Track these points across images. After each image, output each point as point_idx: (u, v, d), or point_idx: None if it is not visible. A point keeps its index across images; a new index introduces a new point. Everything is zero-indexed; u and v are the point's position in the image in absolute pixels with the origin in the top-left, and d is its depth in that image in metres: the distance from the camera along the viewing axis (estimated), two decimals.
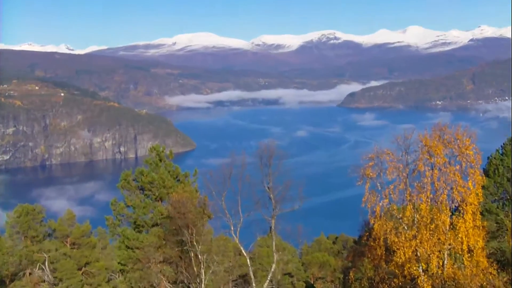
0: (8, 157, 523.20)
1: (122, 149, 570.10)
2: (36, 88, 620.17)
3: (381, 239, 39.52)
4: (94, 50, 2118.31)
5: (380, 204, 39.88)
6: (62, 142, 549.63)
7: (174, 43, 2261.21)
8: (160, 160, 57.04)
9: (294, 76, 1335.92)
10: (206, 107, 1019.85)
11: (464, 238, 37.26)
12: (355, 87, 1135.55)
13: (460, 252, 37.75)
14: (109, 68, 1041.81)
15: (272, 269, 51.29)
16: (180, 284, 52.28)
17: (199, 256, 49.73)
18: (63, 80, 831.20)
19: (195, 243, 49.29)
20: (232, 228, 50.18)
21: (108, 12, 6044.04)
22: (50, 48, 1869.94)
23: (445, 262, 38.44)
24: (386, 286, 41.53)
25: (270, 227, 51.57)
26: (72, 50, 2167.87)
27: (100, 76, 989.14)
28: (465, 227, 37.40)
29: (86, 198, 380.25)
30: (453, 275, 37.58)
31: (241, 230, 50.32)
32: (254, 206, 50.56)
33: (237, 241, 50.86)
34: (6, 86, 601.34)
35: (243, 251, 51.30)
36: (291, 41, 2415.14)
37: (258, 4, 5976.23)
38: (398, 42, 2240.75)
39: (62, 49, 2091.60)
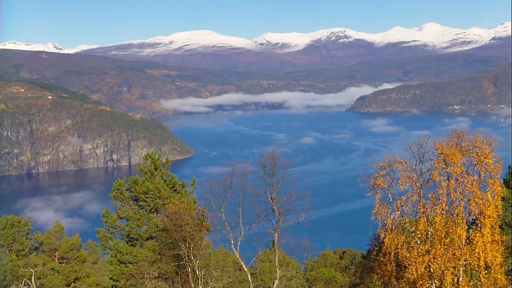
0: None
1: (114, 156, 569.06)
2: (22, 90, 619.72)
3: (392, 254, 39.60)
4: (84, 50, 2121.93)
5: (392, 216, 39.99)
6: (50, 149, 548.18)
7: (171, 42, 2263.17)
8: (156, 169, 57.13)
9: (301, 78, 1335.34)
10: (205, 112, 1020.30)
11: (481, 254, 37.28)
12: (366, 90, 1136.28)
13: (477, 269, 37.74)
14: (101, 69, 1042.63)
15: (275, 286, 51.40)
16: None
17: (197, 272, 49.80)
18: (51, 81, 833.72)
19: (192, 258, 49.37)
20: (232, 242, 50.28)
21: (99, 9, 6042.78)
22: (37, 47, 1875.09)
23: (461, 279, 38.45)
24: None
25: (273, 241, 51.67)
26: (61, 49, 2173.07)
27: (90, 78, 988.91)
28: (483, 242, 37.42)
29: (75, 209, 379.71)
30: None
31: (242, 244, 50.43)
32: (256, 218, 50.72)
33: (237, 256, 50.97)
34: None
35: (244, 267, 51.43)
36: (298, 39, 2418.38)
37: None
38: (414, 41, 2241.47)
39: (50, 48, 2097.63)
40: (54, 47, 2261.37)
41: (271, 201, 50.53)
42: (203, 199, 52.78)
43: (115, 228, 55.91)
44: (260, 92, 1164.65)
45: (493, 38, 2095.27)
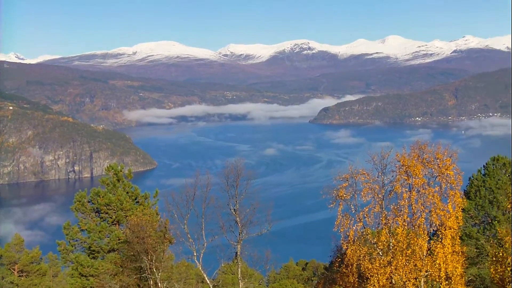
0: None
1: (76, 168, 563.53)
2: None
3: (354, 265, 39.75)
4: (47, 60, 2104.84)
5: (354, 228, 40.20)
6: (10, 160, 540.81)
7: (135, 53, 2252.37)
8: (118, 180, 56.78)
9: (264, 89, 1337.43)
10: (168, 123, 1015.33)
11: (442, 265, 37.59)
12: (330, 101, 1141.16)
13: (438, 280, 38.02)
14: (63, 79, 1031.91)
15: None
16: None
17: (159, 284, 49.57)
18: (12, 92, 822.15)
19: (154, 270, 49.13)
20: (195, 254, 50.16)
21: (62, 19, 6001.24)
22: None
23: None
24: None
25: (236, 253, 51.67)
26: (22, 59, 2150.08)
27: (53, 88, 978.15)
28: (444, 253, 37.76)
29: (36, 221, 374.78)
30: None
31: (204, 255, 50.31)
32: (219, 230, 50.64)
33: (200, 268, 50.83)
34: None
35: (206, 279, 51.30)
36: (262, 51, 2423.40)
37: (225, 11, 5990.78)
38: (377, 53, 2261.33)
39: (12, 58, 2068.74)
40: (15, 57, 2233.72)
41: (234, 212, 50.53)
42: (165, 211, 52.64)
43: (77, 240, 55.38)
44: (223, 103, 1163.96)
45: (454, 51, 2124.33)
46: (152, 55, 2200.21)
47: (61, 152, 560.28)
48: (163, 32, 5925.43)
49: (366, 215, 39.98)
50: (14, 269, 62.82)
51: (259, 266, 56.91)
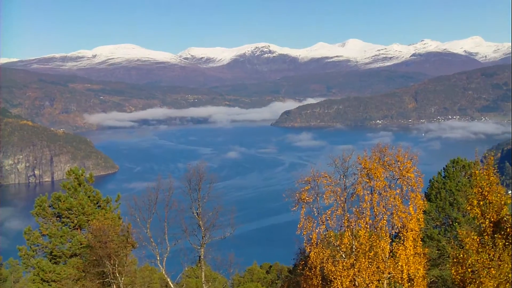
0: None
1: (36, 172, 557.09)
2: None
3: (318, 268, 39.77)
4: (4, 63, 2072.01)
5: (317, 230, 40.19)
6: None
7: (94, 56, 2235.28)
8: (79, 184, 56.25)
9: (226, 92, 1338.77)
10: (129, 126, 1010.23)
11: (404, 266, 37.82)
12: (291, 104, 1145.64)
13: (400, 281, 38.17)
14: (21, 83, 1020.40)
15: None
16: None
17: None
18: None
19: (118, 275, 48.83)
20: (158, 258, 50.00)
21: (18, 21, 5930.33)
22: None
23: None
24: None
25: (199, 256, 51.59)
26: None
27: (10, 91, 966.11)
28: (406, 255, 37.99)
29: None
30: None
31: (167, 259, 50.18)
32: (182, 234, 50.54)
33: (163, 272, 50.70)
34: None
35: (170, 283, 51.12)
36: (222, 54, 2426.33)
37: (185, 13, 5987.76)
38: (337, 56, 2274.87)
39: None
40: None
41: (197, 216, 50.50)
42: (128, 215, 52.38)
43: (38, 245, 54.68)
44: (185, 107, 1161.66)
45: (413, 55, 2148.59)
46: (112, 58, 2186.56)
47: (21, 156, 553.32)
48: (123, 35, 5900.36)
49: (329, 217, 40.01)
50: None
51: (223, 269, 56.87)
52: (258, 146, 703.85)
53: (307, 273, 41.15)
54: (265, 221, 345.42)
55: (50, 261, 53.90)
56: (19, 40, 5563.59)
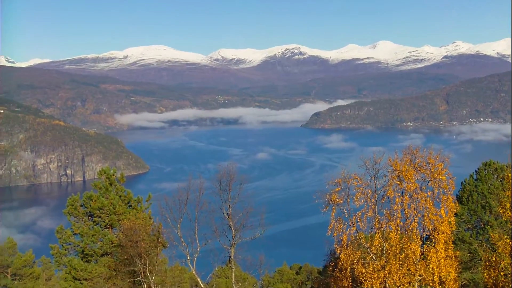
0: None
1: (68, 171, 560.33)
2: None
3: (348, 269, 39.73)
4: (38, 63, 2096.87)
5: (347, 232, 40.17)
6: (2, 163, 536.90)
7: (126, 57, 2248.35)
8: (111, 184, 56.60)
9: (256, 94, 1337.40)
10: (160, 127, 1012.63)
11: (435, 269, 37.58)
12: (321, 106, 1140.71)
13: (431, 284, 37.98)
14: (54, 83, 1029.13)
15: None
16: None
17: None
18: (3, 95, 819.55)
19: (148, 274, 49.01)
20: (188, 258, 50.08)
21: (52, 22, 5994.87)
22: None
23: None
24: None
25: (230, 257, 51.62)
26: (13, 62, 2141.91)
27: (44, 92, 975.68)
28: (437, 257, 37.76)
29: (27, 225, 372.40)
30: None
31: (198, 259, 50.24)
32: (212, 234, 50.57)
33: (193, 272, 50.75)
34: None
35: (200, 283, 51.20)
36: (253, 56, 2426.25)
37: (216, 15, 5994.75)
38: (367, 58, 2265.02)
39: (2, 61, 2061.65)
40: (6, 60, 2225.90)
41: (227, 217, 50.51)
42: (158, 215, 52.51)
43: (70, 244, 55.13)
44: (215, 108, 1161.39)
45: (445, 57, 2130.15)
46: (143, 59, 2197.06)
47: (53, 156, 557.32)
48: (154, 36, 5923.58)
49: (359, 219, 39.98)
50: (7, 273, 62.52)
51: (253, 270, 56.92)
52: (288, 148, 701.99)
53: (337, 274, 41.11)
54: (295, 223, 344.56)
55: (82, 259, 54.32)
56: (52, 41, 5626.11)
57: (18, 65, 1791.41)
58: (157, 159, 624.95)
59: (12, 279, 62.20)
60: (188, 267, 52.74)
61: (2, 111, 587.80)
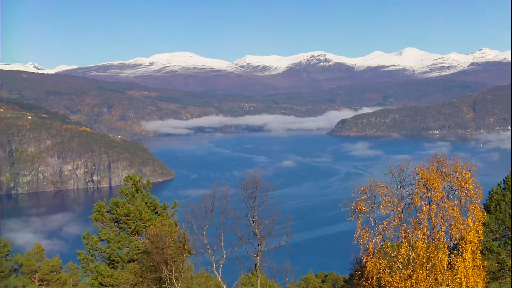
0: None
1: (95, 177, 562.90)
2: (1, 110, 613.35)
3: (374, 278, 39.52)
4: (64, 70, 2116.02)
5: (373, 241, 40.02)
6: (30, 169, 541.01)
7: (152, 64, 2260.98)
8: (137, 191, 56.82)
9: (281, 101, 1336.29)
10: (185, 134, 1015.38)
11: (463, 279, 37.29)
12: (347, 113, 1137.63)
13: None
14: (81, 90, 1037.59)
15: None
16: None
17: None
18: (31, 101, 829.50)
19: (174, 281, 49.11)
20: (214, 265, 50.16)
21: (79, 29, 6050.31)
22: (16, 67, 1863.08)
23: None
24: None
25: (255, 264, 51.62)
26: (41, 69, 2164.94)
27: (70, 98, 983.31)
28: (464, 267, 37.47)
29: (54, 230, 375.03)
30: None
31: (223, 267, 50.29)
32: (238, 241, 50.61)
33: (219, 279, 50.81)
34: None
35: None
36: (278, 62, 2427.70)
37: (242, 22, 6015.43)
38: (393, 65, 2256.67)
39: (29, 68, 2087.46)
40: (33, 67, 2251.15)
41: (252, 224, 50.50)
42: (184, 222, 52.63)
43: (96, 250, 55.43)
44: (240, 115, 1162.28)
45: (472, 64, 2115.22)
46: (169, 66, 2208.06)
47: (80, 162, 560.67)
48: (180, 43, 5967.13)
49: (386, 228, 39.80)
50: (34, 278, 63.09)
51: (279, 278, 56.84)
52: (314, 155, 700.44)
53: (364, 283, 40.90)
54: (321, 230, 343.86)
55: (108, 265, 54.56)
56: (79, 48, 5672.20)
57: (45, 71, 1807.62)
58: (183, 165, 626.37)
59: (40, 284, 62.71)
60: (213, 274, 52.84)
61: (30, 117, 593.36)
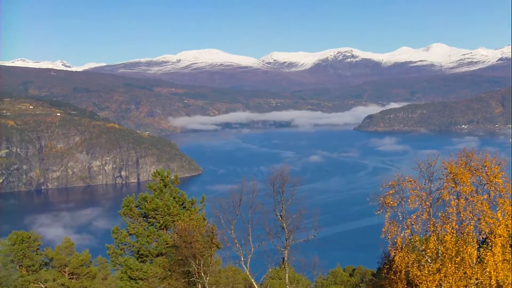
0: (1, 180, 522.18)
1: (123, 173, 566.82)
2: (31, 107, 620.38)
3: (403, 272, 39.30)
4: (93, 67, 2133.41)
5: (402, 235, 39.76)
6: (59, 165, 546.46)
7: (179, 60, 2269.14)
8: (165, 186, 57.05)
9: (308, 96, 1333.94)
10: (213, 129, 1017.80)
11: (492, 273, 36.93)
12: (374, 109, 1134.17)
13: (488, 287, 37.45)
14: (109, 87, 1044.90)
15: None
16: None
17: None
18: (60, 99, 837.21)
19: (202, 274, 49.21)
20: (242, 259, 50.17)
21: (106, 27, 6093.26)
22: (45, 65, 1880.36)
23: None
24: None
25: (283, 258, 51.58)
26: (69, 67, 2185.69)
27: (99, 95, 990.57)
28: (494, 261, 37.09)
29: (84, 225, 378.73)
30: None
31: (251, 261, 50.29)
32: (265, 235, 50.59)
33: (247, 273, 50.84)
34: None
35: (254, 284, 51.22)
36: (305, 59, 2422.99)
37: (268, 19, 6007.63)
38: (421, 61, 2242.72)
39: (58, 65, 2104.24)
40: (62, 64, 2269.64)
41: (280, 218, 50.44)
42: (212, 216, 52.77)
43: (125, 244, 55.78)
44: (267, 111, 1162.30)
45: (500, 59, 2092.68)
46: (196, 63, 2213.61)
47: (108, 158, 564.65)
48: (206, 40, 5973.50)
49: (414, 222, 39.53)
50: (64, 272, 63.59)
51: (307, 271, 56.77)
52: (341, 150, 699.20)
53: (392, 277, 40.67)
54: (348, 225, 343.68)
55: (137, 259, 54.87)
56: (107, 45, 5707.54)
57: (74, 69, 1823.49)
58: (210, 161, 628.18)
59: (70, 278, 63.20)
60: (242, 268, 52.89)
61: (59, 114, 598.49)
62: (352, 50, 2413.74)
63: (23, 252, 63.75)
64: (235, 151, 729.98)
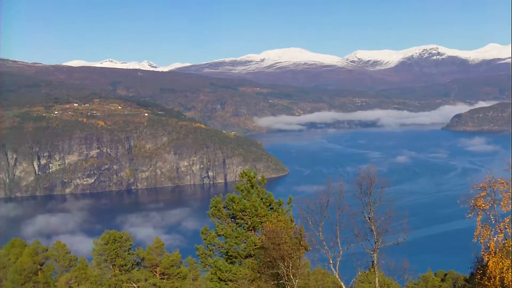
0: (92, 180, 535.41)
1: (210, 173, 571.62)
2: (119, 107, 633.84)
3: (497, 278, 38.39)
4: (178, 67, 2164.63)
5: (495, 239, 38.89)
6: (148, 165, 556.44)
7: (262, 60, 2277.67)
8: (252, 186, 57.23)
9: (393, 95, 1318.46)
10: (298, 129, 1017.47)
11: None
12: (461, 108, 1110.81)
13: None
14: (194, 87, 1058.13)
15: None
16: None
17: None
18: (147, 99, 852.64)
19: (291, 277, 49.18)
20: (331, 262, 49.91)
21: (191, 27, 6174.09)
22: (132, 65, 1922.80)
23: None
24: None
25: (372, 261, 51.03)
26: (155, 67, 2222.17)
27: (185, 95, 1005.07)
28: None
29: (173, 225, 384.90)
30: None
31: (340, 263, 49.98)
32: (354, 238, 50.21)
33: (336, 276, 50.54)
34: (88, 105, 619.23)
35: (344, 287, 50.95)
36: (389, 57, 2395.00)
37: (352, 17, 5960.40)
38: (510, 58, 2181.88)
39: (145, 66, 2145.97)
40: (149, 65, 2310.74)
41: (369, 221, 49.99)
42: (299, 218, 52.59)
43: (214, 245, 56.27)
44: (352, 110, 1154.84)
45: None
46: (280, 62, 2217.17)
47: (195, 158, 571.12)
48: (290, 39, 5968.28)
49: (507, 226, 38.66)
50: (156, 272, 64.79)
51: (397, 275, 56.06)
52: (428, 151, 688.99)
53: (486, 283, 39.73)
54: (438, 227, 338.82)
55: (226, 260, 55.25)
56: (192, 45, 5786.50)
57: (160, 69, 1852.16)
58: (296, 161, 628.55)
59: (161, 278, 64.33)
60: (330, 271, 52.63)
61: (146, 114, 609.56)
62: (437, 47, 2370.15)
63: (115, 252, 65.24)
64: (321, 151, 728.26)
